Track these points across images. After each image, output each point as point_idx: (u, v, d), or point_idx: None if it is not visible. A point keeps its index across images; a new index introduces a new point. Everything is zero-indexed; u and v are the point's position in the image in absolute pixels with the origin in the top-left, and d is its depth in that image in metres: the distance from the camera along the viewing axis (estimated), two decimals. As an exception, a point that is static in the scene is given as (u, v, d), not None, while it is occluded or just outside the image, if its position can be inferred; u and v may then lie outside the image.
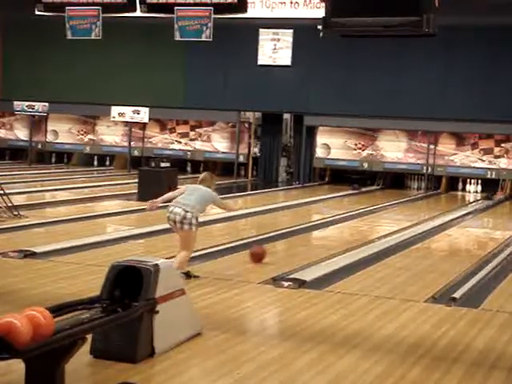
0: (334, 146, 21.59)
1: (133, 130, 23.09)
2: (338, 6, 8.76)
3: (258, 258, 9.38)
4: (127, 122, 22.64)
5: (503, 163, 20.21)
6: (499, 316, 7.33)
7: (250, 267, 9.19)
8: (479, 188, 20.72)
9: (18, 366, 4.80)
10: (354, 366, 5.64)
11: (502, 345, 6.37)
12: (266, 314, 7.32)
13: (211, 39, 17.54)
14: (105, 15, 18.37)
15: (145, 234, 11.29)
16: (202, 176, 8.58)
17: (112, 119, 22.66)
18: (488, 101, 19.15)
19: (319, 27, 8.87)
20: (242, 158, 22.38)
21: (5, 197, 12.10)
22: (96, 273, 7.94)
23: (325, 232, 12.84)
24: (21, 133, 24.77)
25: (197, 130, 23.00)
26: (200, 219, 8.28)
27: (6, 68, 23.13)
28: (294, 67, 20.49)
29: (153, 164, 15.80)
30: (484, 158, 20.34)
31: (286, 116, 22.86)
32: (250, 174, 22.44)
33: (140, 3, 18.12)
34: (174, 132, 23.26)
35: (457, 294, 8.02)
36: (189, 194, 8.20)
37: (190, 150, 22.80)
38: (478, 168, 20.40)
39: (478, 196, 20.17)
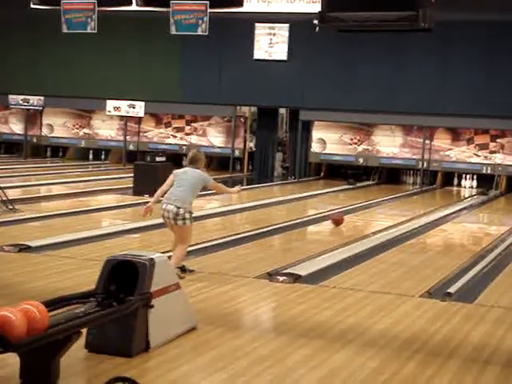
0: (329, 140, 21.58)
1: (128, 124, 23.05)
2: (334, 0, 8.76)
3: (337, 222, 12.21)
4: (123, 116, 22.60)
5: (499, 158, 20.23)
6: (494, 311, 7.35)
7: (245, 262, 9.20)
8: (474, 183, 20.75)
9: (12, 360, 4.80)
10: (348, 361, 5.65)
11: (496, 340, 6.38)
12: (260, 308, 7.33)
13: (207, 33, 17.54)
14: (100, 9, 18.33)
15: (140, 228, 11.27)
16: (189, 156, 8.30)
17: (107, 113, 22.61)
18: (484, 96, 19.15)
19: (315, 22, 8.86)
20: (237, 153, 22.37)
21: (0, 191, 12.08)
22: (91, 267, 7.94)
23: (320, 227, 12.84)
24: (16, 127, 24.73)
25: (192, 124, 22.98)
26: (195, 214, 8.27)
27: (1, 62, 23.05)
28: (290, 62, 20.47)
29: (148, 158, 15.79)
30: (479, 153, 20.36)
31: (282, 111, 22.86)
32: (245, 169, 22.43)
33: (136, -3, 18.10)
34: (170, 126, 23.24)
35: (452, 289, 8.03)
36: (178, 185, 8.02)
37: (185, 145, 22.77)
38: (473, 163, 20.42)
39: (474, 191, 20.20)
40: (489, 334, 6.55)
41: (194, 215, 8.14)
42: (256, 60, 20.65)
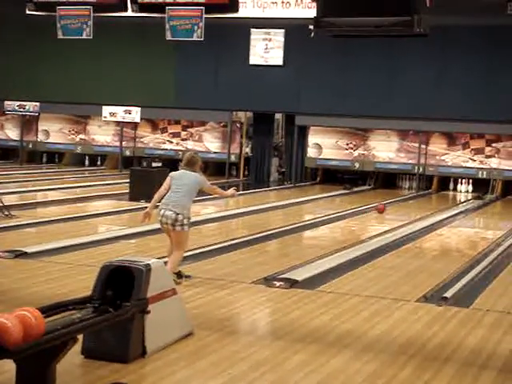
0: (325, 145, 21.61)
1: (124, 129, 23.05)
2: (329, 5, 8.78)
3: (380, 210, 14.96)
4: (119, 121, 22.60)
5: (494, 163, 20.27)
6: (490, 315, 7.35)
7: (241, 267, 9.19)
8: (470, 188, 20.78)
9: (9, 367, 4.79)
10: (345, 366, 5.65)
11: (492, 344, 6.39)
12: (257, 313, 7.33)
13: (203, 39, 17.54)
14: (96, 15, 18.33)
15: (136, 233, 11.27)
16: (185, 158, 8.20)
17: (103, 119, 22.61)
18: (479, 101, 19.18)
19: (311, 27, 8.87)
20: (233, 158, 22.37)
21: (-4, 197, 12.08)
22: (87, 273, 7.92)
23: (316, 232, 12.85)
24: (12, 133, 24.70)
25: (188, 129, 22.99)
26: (192, 219, 8.27)
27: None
28: (286, 67, 20.50)
29: (144, 164, 15.78)
30: (475, 157, 20.39)
31: (278, 116, 22.87)
32: (241, 174, 22.43)
33: (131, 3, 18.10)
34: (166, 132, 23.24)
35: (448, 294, 8.04)
36: (176, 190, 7.97)
37: (181, 150, 22.76)
38: (469, 168, 20.45)
39: (469, 196, 20.23)
40: (485, 338, 6.56)
41: (190, 221, 8.13)
42: (252, 65, 20.67)
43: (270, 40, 20.47)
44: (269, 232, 12.08)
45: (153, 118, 22.95)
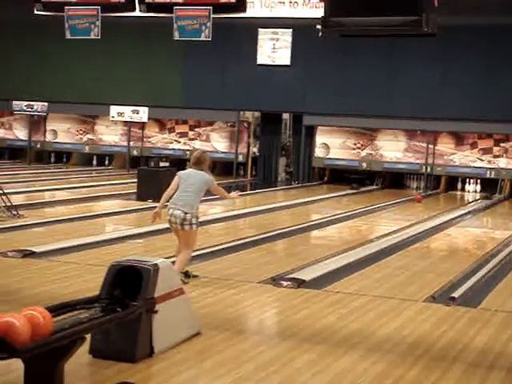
0: (333, 145, 21.59)
1: (132, 129, 23.09)
2: (337, 5, 8.75)
3: (418, 200, 17.30)
4: (126, 121, 22.64)
5: (502, 163, 20.22)
6: (498, 315, 7.33)
7: (248, 267, 9.19)
8: (478, 188, 20.73)
9: (17, 366, 4.80)
10: (353, 366, 5.64)
11: (500, 344, 6.37)
12: (265, 313, 7.32)
13: (210, 39, 17.55)
14: (104, 15, 18.37)
15: (144, 233, 11.27)
16: (193, 157, 8.17)
17: (111, 119, 22.67)
18: (487, 100, 19.15)
19: (318, 27, 8.85)
20: (241, 158, 22.38)
21: (4, 196, 12.10)
22: (95, 272, 7.93)
23: (324, 232, 12.84)
24: (20, 132, 24.77)
25: (196, 129, 23.00)
26: (199, 219, 8.26)
27: (5, 68, 23.11)
28: (293, 67, 20.49)
29: (152, 164, 15.79)
30: (483, 157, 20.35)
31: (285, 116, 22.86)
32: (249, 174, 22.44)
33: (139, 3, 18.14)
34: (173, 132, 23.26)
35: (456, 294, 8.02)
36: (184, 189, 7.96)
37: (189, 150, 22.77)
38: (477, 168, 20.41)
39: (477, 196, 20.18)
40: (493, 338, 6.54)
41: (199, 220, 8.13)
42: (259, 65, 20.67)
43: (277, 40, 20.47)
44: (276, 232, 12.07)
45: (160, 117, 22.98)
